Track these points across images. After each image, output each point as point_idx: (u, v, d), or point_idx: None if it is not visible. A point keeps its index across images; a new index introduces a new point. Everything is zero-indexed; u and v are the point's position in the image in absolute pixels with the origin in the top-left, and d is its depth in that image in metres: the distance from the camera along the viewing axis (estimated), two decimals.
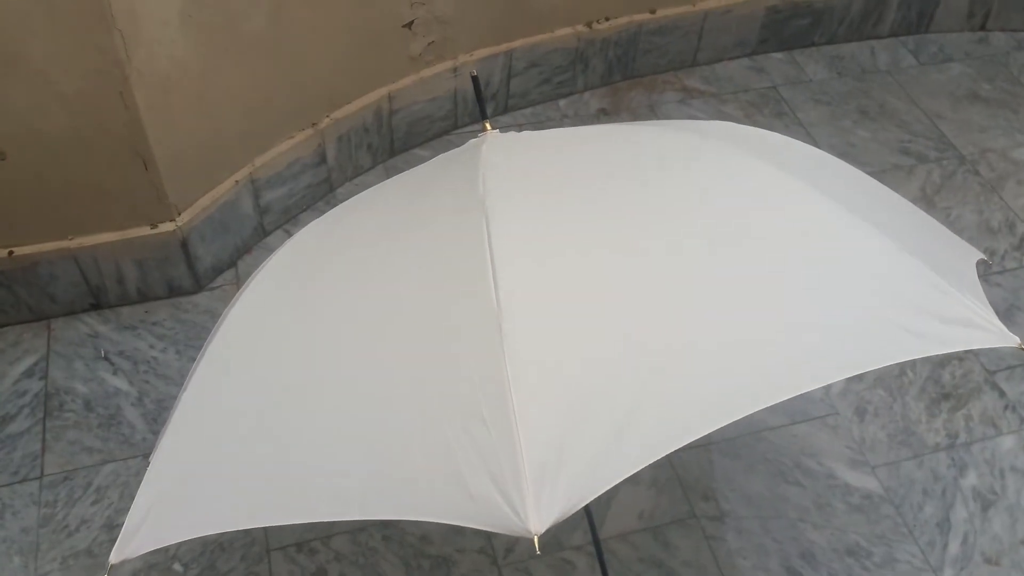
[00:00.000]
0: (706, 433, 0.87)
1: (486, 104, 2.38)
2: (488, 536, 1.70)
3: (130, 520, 0.99)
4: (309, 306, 1.01)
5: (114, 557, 0.97)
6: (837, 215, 0.99)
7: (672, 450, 0.86)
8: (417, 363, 0.92)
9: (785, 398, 0.88)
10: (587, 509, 1.42)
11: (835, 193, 1.04)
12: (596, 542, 1.40)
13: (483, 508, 0.82)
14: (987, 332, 0.95)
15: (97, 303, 1.98)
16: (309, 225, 1.22)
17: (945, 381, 1.97)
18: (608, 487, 0.83)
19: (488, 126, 1.32)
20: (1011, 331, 1.00)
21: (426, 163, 1.30)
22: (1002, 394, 1.96)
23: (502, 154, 1.13)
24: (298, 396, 0.95)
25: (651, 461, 0.85)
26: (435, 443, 0.86)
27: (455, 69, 2.26)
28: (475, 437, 0.85)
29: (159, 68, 1.66)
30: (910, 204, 1.33)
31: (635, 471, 0.84)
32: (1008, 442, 1.88)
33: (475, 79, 1.37)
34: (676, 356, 0.89)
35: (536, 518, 0.80)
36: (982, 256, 1.29)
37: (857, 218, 0.99)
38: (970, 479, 1.82)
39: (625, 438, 0.85)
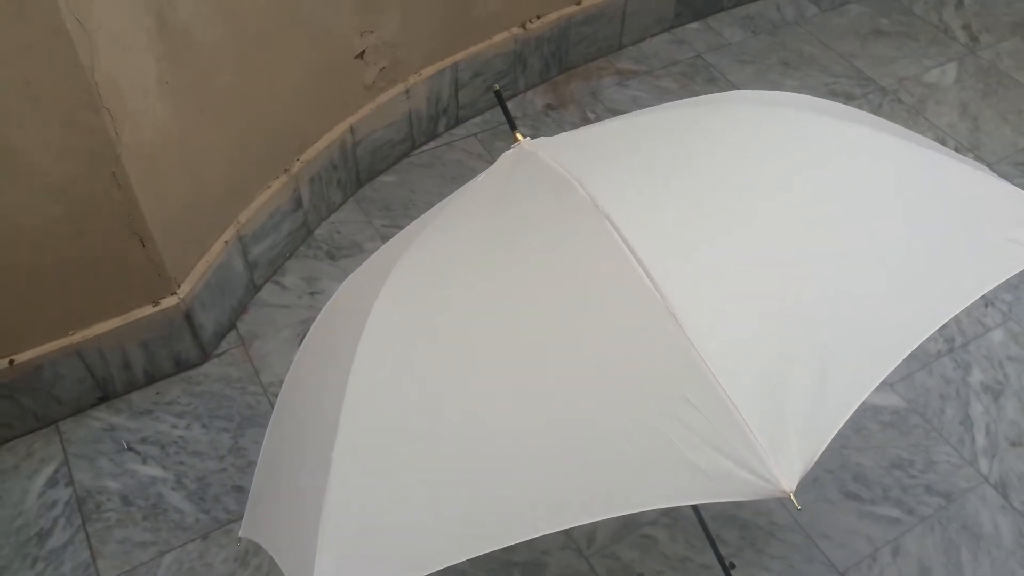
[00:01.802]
0: (900, 360, 0.94)
1: (437, 124, 2.39)
2: (567, 531, 1.73)
3: None
4: (452, 334, 1.00)
5: None
6: (909, 150, 1.07)
7: (875, 385, 0.92)
8: (598, 366, 0.93)
9: (944, 321, 0.96)
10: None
11: (885, 129, 1.12)
12: (699, 515, 1.44)
13: (723, 482, 0.85)
14: None
15: (104, 395, 1.89)
16: (402, 263, 1.12)
17: None
18: (834, 433, 0.88)
19: (519, 136, 1.33)
20: None
21: (472, 183, 1.28)
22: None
23: (576, 155, 1.15)
24: (478, 416, 0.94)
25: (862, 398, 0.90)
26: (646, 437, 0.88)
27: (407, 91, 2.27)
28: (686, 420, 0.87)
29: (145, 139, 1.61)
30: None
31: (852, 412, 0.90)
32: (998, 335, 2.05)
33: (498, 93, 1.38)
34: (841, 300, 0.95)
35: (784, 477, 0.84)
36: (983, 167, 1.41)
37: (923, 148, 1.08)
38: (976, 376, 1.97)
39: (828, 384, 0.89)
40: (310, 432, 1.12)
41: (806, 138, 1.10)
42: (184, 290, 1.84)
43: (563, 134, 1.32)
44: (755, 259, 0.98)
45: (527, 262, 1.04)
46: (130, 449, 1.84)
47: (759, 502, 1.77)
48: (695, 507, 1.46)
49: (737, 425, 0.86)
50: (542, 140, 1.29)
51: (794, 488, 0.85)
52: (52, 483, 1.80)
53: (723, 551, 1.70)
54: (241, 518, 1.48)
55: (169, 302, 1.82)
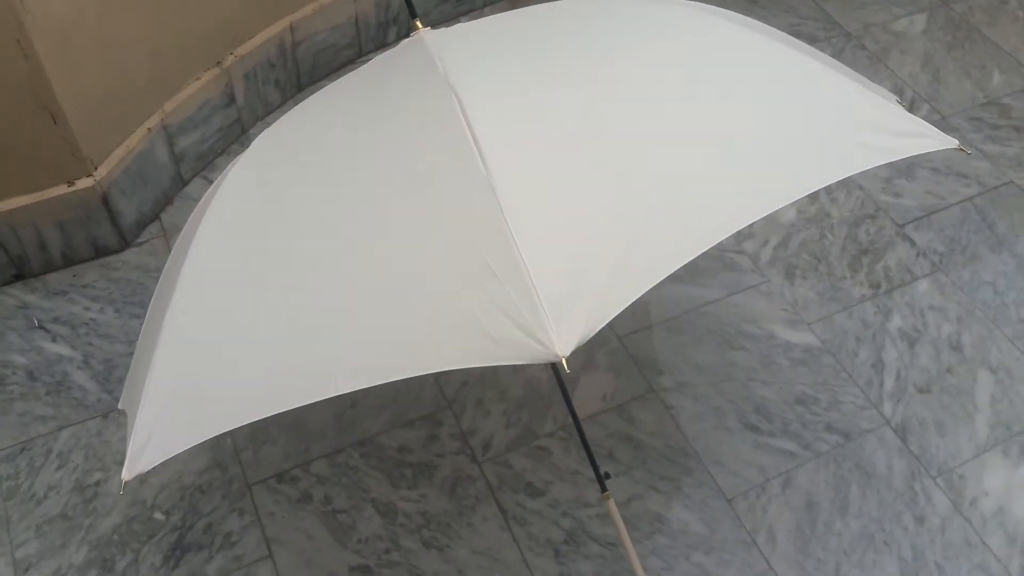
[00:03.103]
0: (703, 250, 0.94)
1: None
2: (465, 437, 1.75)
3: (135, 440, 0.99)
4: (292, 196, 1.01)
5: (126, 474, 0.97)
6: (780, 51, 1.06)
7: (673, 269, 0.93)
8: (419, 234, 0.95)
9: (773, 209, 0.95)
10: (564, 395, 1.48)
11: (771, 34, 1.10)
12: (576, 422, 1.45)
13: (507, 347, 0.87)
14: (931, 138, 1.04)
15: (20, 274, 1.90)
16: (266, 134, 1.18)
17: (862, 238, 2.11)
18: (622, 308, 0.89)
19: (419, 24, 1.32)
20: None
21: (367, 64, 1.30)
22: (913, 244, 2.11)
23: (450, 39, 1.15)
24: (297, 279, 0.96)
25: (655, 282, 0.91)
26: (451, 305, 0.90)
27: None
28: (489, 291, 0.89)
29: (54, 12, 1.58)
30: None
31: (644, 291, 0.90)
32: (924, 285, 2.04)
33: None
34: (662, 183, 0.95)
35: (560, 343, 0.86)
36: (896, 99, 1.39)
37: (798, 52, 1.06)
38: (895, 322, 1.97)
39: (630, 264, 0.91)
40: (165, 300, 1.14)
41: (676, 33, 1.09)
42: (101, 173, 1.83)
43: (460, 24, 1.31)
44: (585, 140, 0.98)
45: (375, 133, 1.04)
46: (41, 327, 1.85)
47: (654, 422, 1.79)
48: (574, 417, 1.47)
49: (528, 293, 0.88)
50: (441, 30, 1.28)
51: (567, 354, 0.86)
52: None
53: (614, 468, 1.73)
54: None
55: (85, 183, 1.81)
